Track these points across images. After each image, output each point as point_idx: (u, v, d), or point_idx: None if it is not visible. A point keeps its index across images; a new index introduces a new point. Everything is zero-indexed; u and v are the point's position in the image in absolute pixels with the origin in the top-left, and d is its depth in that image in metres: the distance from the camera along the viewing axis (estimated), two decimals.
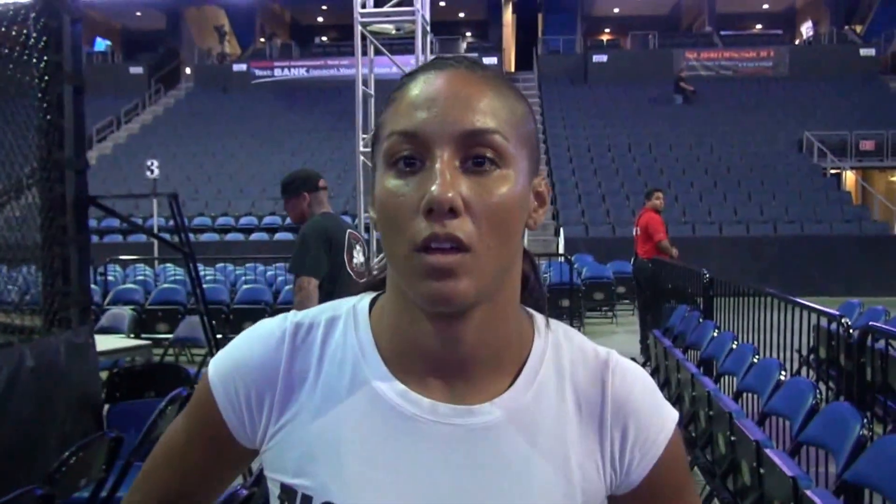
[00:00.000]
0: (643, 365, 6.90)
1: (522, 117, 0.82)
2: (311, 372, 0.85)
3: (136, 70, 28.36)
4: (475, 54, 26.40)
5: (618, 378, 0.87)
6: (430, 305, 0.76)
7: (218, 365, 0.89)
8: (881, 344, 4.11)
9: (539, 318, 0.90)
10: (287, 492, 0.84)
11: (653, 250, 8.85)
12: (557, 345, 0.88)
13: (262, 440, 0.86)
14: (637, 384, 0.87)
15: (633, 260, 9.15)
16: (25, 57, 3.88)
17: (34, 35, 3.86)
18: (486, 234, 0.75)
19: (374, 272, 0.96)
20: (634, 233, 9.03)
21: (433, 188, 0.73)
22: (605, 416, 0.85)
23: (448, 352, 0.82)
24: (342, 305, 0.90)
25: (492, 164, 0.76)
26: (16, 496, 2.23)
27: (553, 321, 0.91)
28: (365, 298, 0.90)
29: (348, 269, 3.91)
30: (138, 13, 31.12)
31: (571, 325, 7.85)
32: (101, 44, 30.97)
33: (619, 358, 0.89)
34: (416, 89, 0.79)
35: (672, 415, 0.89)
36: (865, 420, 3.05)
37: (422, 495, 0.80)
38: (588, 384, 0.86)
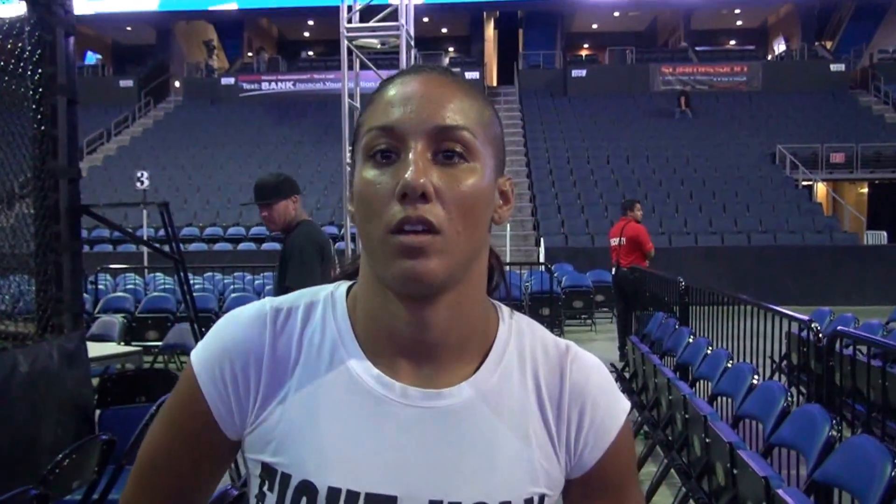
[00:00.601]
0: (622, 370, 6.95)
1: (489, 119, 0.86)
2: (291, 355, 0.87)
3: (126, 83, 28.24)
4: (457, 69, 26.50)
5: (576, 367, 0.91)
6: (401, 284, 0.80)
7: (201, 354, 0.89)
8: (850, 350, 4.17)
9: (503, 308, 0.94)
10: (267, 470, 0.85)
11: (638, 260, 8.86)
12: (520, 333, 0.92)
13: (247, 423, 0.87)
14: (593, 374, 0.91)
15: (615, 269, 9.10)
16: (20, 69, 3.88)
17: (29, 48, 3.86)
18: (455, 220, 0.79)
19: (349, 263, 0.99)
20: (616, 243, 8.99)
21: (407, 175, 0.77)
22: (564, 402, 0.89)
23: (418, 336, 0.85)
24: (320, 292, 0.92)
25: (460, 157, 0.81)
26: (11, 496, 2.23)
27: (516, 312, 0.95)
28: (342, 286, 0.93)
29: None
30: (129, 28, 30.99)
31: (551, 332, 7.93)
32: (92, 57, 30.85)
33: (578, 349, 0.93)
34: (394, 90, 0.84)
35: (624, 405, 0.93)
36: (834, 422, 3.09)
37: (394, 473, 0.83)
38: (548, 371, 0.90)
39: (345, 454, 0.83)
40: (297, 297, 0.91)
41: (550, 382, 0.90)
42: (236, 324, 0.89)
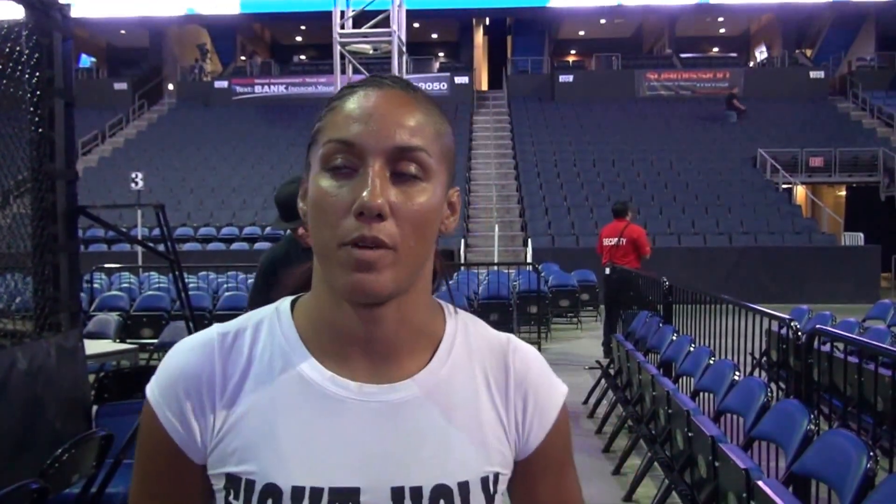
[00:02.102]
0: (607, 367, 6.98)
1: (445, 136, 0.88)
2: (242, 372, 0.89)
3: (120, 86, 28.11)
4: (447, 74, 26.54)
5: (518, 357, 0.96)
6: (351, 295, 0.82)
7: (154, 387, 0.90)
8: (827, 346, 4.20)
9: (448, 306, 0.98)
10: (231, 480, 0.87)
11: (633, 261, 8.89)
12: (466, 328, 0.96)
13: (209, 444, 0.88)
14: (534, 363, 0.97)
15: (610, 269, 9.09)
16: (18, 72, 3.87)
17: (26, 52, 3.85)
18: (407, 236, 0.81)
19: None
20: (614, 243, 8.99)
21: (364, 194, 0.79)
22: (510, 390, 0.94)
23: (370, 334, 0.88)
24: (265, 310, 0.95)
25: (416, 176, 0.83)
26: (12, 490, 2.24)
27: (459, 310, 0.99)
28: (285, 301, 0.96)
29: None
30: (122, 31, 30.82)
31: (539, 330, 7.89)
32: (87, 60, 30.68)
33: (517, 341, 0.99)
34: (355, 103, 0.85)
35: (562, 389, 0.99)
36: (812, 416, 3.12)
37: (355, 466, 0.85)
38: (493, 361, 0.95)
39: (305, 453, 0.85)
40: (245, 319, 0.94)
41: (496, 373, 0.95)
42: (184, 353, 0.91)
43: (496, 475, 0.92)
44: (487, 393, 0.93)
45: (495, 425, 0.92)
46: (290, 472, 0.85)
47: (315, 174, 0.85)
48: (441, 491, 0.87)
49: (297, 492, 0.84)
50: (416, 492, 0.86)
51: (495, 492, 0.92)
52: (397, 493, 0.86)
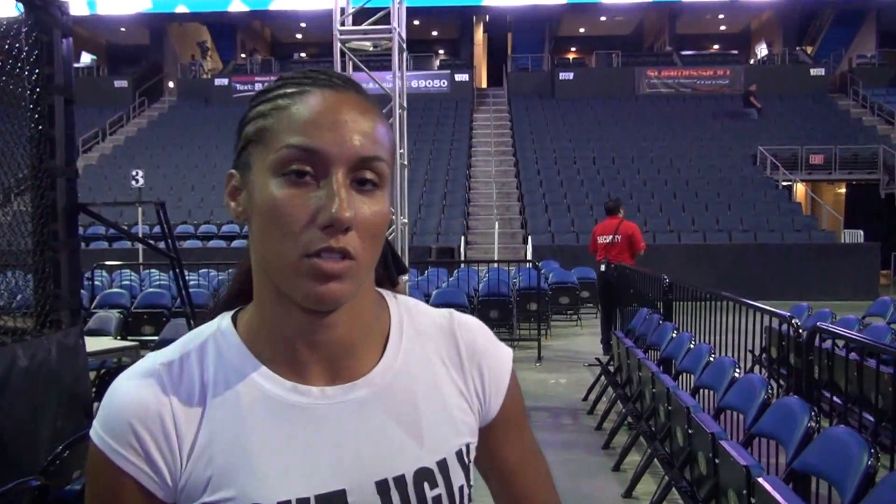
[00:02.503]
0: (607, 364, 6.98)
1: (392, 140, 0.88)
2: (198, 400, 0.85)
3: (120, 84, 28.10)
4: (447, 71, 26.54)
5: (464, 329, 0.99)
6: (313, 304, 0.81)
7: (101, 431, 0.84)
8: (828, 344, 4.20)
9: (387, 294, 0.99)
10: None
11: (627, 258, 8.91)
12: (409, 313, 0.98)
13: (178, 479, 0.84)
14: (479, 332, 1.00)
15: (605, 266, 9.10)
16: (18, 70, 3.86)
17: (26, 49, 3.85)
18: (366, 245, 0.82)
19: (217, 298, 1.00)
20: (610, 240, 9.01)
21: (334, 209, 0.78)
22: (463, 361, 0.97)
23: (324, 338, 0.87)
24: (203, 332, 0.91)
25: (374, 185, 0.83)
26: (12, 487, 2.24)
27: (398, 295, 1.01)
28: (225, 318, 0.92)
29: None
30: (123, 29, 30.82)
31: (539, 327, 7.87)
32: (87, 58, 30.65)
33: (459, 314, 1.01)
34: (312, 106, 0.81)
35: (509, 351, 1.02)
36: (813, 413, 3.12)
37: (335, 469, 0.85)
38: (442, 339, 0.97)
39: (283, 467, 0.84)
40: (183, 345, 0.89)
41: (448, 349, 0.97)
42: (129, 389, 0.85)
43: (467, 445, 0.95)
44: (444, 369, 0.95)
45: (457, 399, 0.95)
46: (271, 488, 0.83)
47: (264, 178, 0.81)
48: (423, 473, 0.89)
49: None
50: (400, 480, 0.88)
51: (469, 461, 0.95)
52: (382, 486, 0.87)
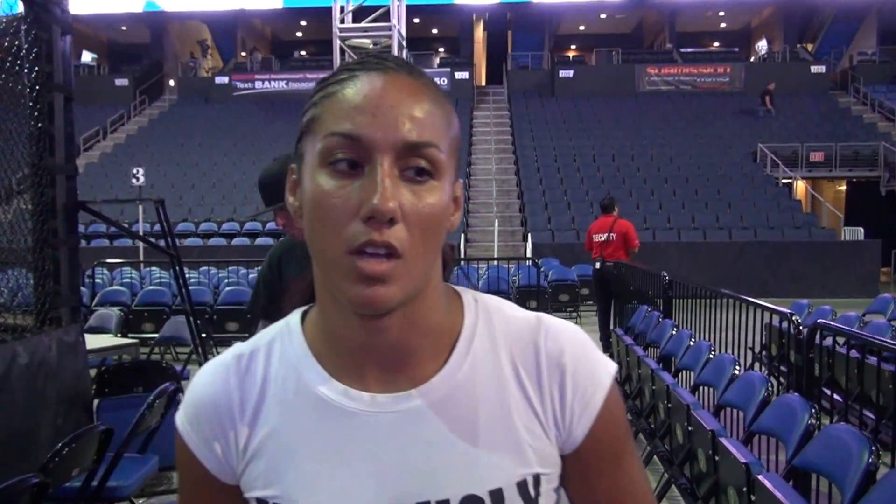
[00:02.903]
0: None
1: (453, 126, 0.81)
2: (259, 393, 0.86)
3: (121, 82, 28.11)
4: (447, 69, 26.50)
5: (550, 338, 0.85)
6: (358, 307, 0.76)
7: (181, 416, 0.88)
8: (828, 341, 4.20)
9: (467, 295, 0.89)
10: None
11: (623, 255, 8.91)
12: (488, 316, 0.87)
13: (237, 468, 0.86)
14: (569, 342, 0.85)
15: (600, 263, 9.11)
16: (17, 67, 3.86)
17: (26, 46, 3.84)
18: (417, 241, 0.75)
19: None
20: (605, 238, 9.01)
21: (375, 199, 0.71)
22: (542, 376, 0.84)
23: (377, 343, 0.81)
24: (277, 327, 0.90)
25: (427, 174, 0.75)
26: (11, 484, 2.23)
27: (481, 295, 0.90)
28: (295, 314, 0.90)
29: None
30: (124, 27, 30.82)
31: None
32: (88, 56, 30.65)
33: (551, 319, 0.88)
34: (357, 90, 0.76)
35: (607, 370, 0.86)
36: (813, 411, 3.11)
37: (378, 483, 0.81)
38: (522, 348, 0.85)
39: (326, 473, 0.82)
40: (259, 338, 0.90)
41: (526, 360, 0.85)
42: (203, 380, 0.88)
43: (536, 476, 0.83)
44: (517, 385, 0.84)
45: (529, 421, 0.83)
46: (312, 494, 0.81)
47: (312, 170, 0.77)
48: (471, 502, 0.81)
49: None
50: None
51: (538, 494, 0.83)
52: None
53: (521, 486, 0.82)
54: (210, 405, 0.86)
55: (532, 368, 0.85)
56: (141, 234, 11.69)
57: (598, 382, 0.85)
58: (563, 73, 26.62)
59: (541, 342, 0.85)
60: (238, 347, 0.90)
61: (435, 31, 32.08)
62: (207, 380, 0.88)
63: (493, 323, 0.87)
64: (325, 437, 0.82)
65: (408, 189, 0.74)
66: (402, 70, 0.78)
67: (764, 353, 6.28)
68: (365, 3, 8.28)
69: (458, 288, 0.90)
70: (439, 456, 0.81)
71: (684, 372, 5.16)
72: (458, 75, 26.28)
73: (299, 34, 33.37)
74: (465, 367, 0.84)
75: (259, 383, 0.86)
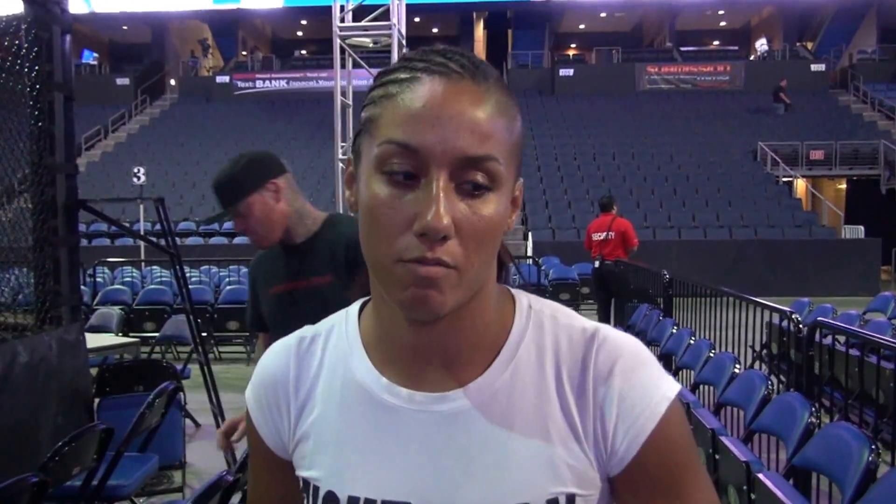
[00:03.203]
0: None
1: (516, 130, 0.77)
2: (314, 377, 0.89)
3: (122, 81, 28.12)
4: None
5: (602, 352, 0.80)
6: (408, 311, 0.75)
7: (249, 389, 0.94)
8: (828, 339, 4.19)
9: (523, 299, 0.86)
10: (304, 484, 0.88)
11: (622, 254, 8.92)
12: (540, 324, 0.84)
13: (289, 446, 0.91)
14: (621, 359, 0.80)
15: (599, 262, 9.12)
16: (17, 67, 3.86)
17: (25, 46, 3.84)
18: (472, 254, 0.73)
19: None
20: (604, 237, 9.02)
21: (429, 216, 0.70)
22: (587, 392, 0.80)
23: (425, 343, 0.81)
24: (339, 314, 0.92)
25: (485, 186, 0.73)
26: (11, 483, 2.23)
27: (538, 300, 0.87)
28: (356, 304, 0.92)
29: None
30: (125, 27, 30.81)
31: None
32: (90, 56, 30.65)
33: (609, 332, 0.83)
34: (419, 95, 0.73)
35: (665, 391, 0.80)
36: (813, 409, 3.11)
37: (407, 480, 0.82)
38: (571, 360, 0.81)
39: (361, 464, 0.83)
40: (324, 322, 0.93)
41: (573, 373, 0.81)
42: (268, 357, 0.93)
43: (570, 496, 0.79)
44: (559, 398, 0.80)
45: (567, 437, 0.79)
46: (346, 481, 0.83)
47: (368, 174, 0.75)
48: None
49: (352, 501, 0.83)
50: None
51: None
52: None
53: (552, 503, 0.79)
54: (270, 381, 0.90)
55: (578, 383, 0.80)
56: (142, 232, 11.67)
57: (649, 404, 0.79)
58: (563, 72, 26.62)
59: (591, 356, 0.81)
60: (303, 330, 0.93)
61: (435, 29, 32.07)
62: (272, 358, 0.92)
63: (543, 331, 0.84)
64: (364, 428, 0.84)
65: (464, 202, 0.72)
66: (467, 74, 0.75)
67: (764, 351, 6.28)
68: (365, 2, 8.26)
69: (515, 291, 0.88)
70: (469, 462, 0.80)
71: (685, 370, 5.16)
72: None
73: (300, 33, 33.37)
74: (505, 375, 0.81)
75: (315, 367, 0.89)
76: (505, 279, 0.89)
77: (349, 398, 0.85)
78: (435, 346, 0.81)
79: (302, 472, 0.88)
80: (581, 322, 0.84)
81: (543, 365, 0.81)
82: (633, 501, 0.81)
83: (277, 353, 0.92)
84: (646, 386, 0.79)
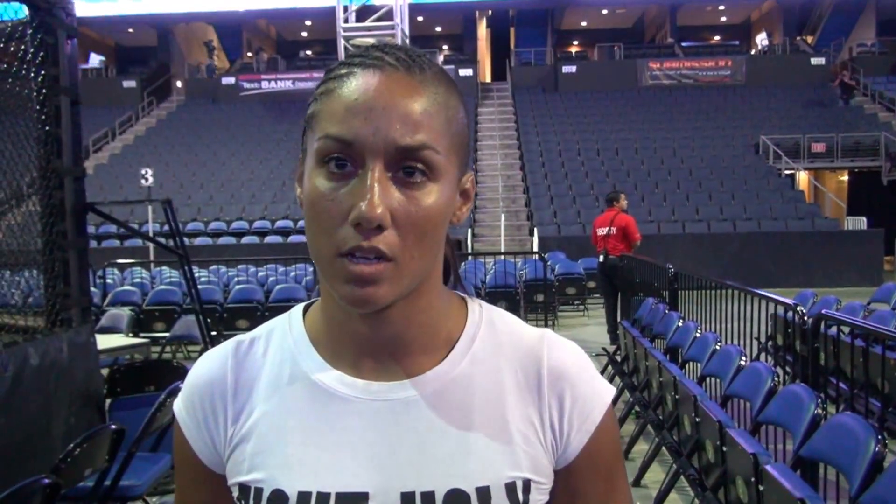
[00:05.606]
0: (613, 353, 6.96)
1: (456, 121, 0.78)
2: (254, 379, 0.86)
3: (129, 84, 28.16)
4: (451, 66, 26.45)
5: (553, 352, 0.85)
6: (349, 305, 0.75)
7: (178, 400, 0.90)
8: (833, 330, 4.17)
9: (472, 302, 0.89)
10: (243, 490, 0.84)
11: (625, 248, 8.91)
12: (491, 324, 0.87)
13: (224, 454, 0.87)
14: (571, 358, 0.86)
15: (603, 257, 9.11)
16: (24, 71, 3.85)
17: (31, 50, 3.84)
18: (410, 245, 0.74)
19: None
20: (606, 232, 9.02)
21: (363, 205, 0.71)
22: (543, 386, 0.84)
23: (376, 334, 0.82)
24: (281, 317, 0.91)
25: (422, 175, 0.74)
26: (23, 486, 2.23)
27: (487, 305, 0.90)
28: (300, 305, 0.92)
29: None
30: (130, 30, 30.85)
31: (546, 317, 7.87)
32: (96, 59, 30.71)
33: (554, 336, 0.88)
34: (352, 89, 0.74)
35: (608, 389, 0.87)
36: (819, 400, 3.09)
37: (363, 469, 0.80)
38: (523, 357, 0.85)
39: (312, 457, 0.81)
40: (262, 327, 0.91)
41: (527, 368, 0.85)
42: (201, 364, 0.90)
43: (526, 482, 0.82)
44: (516, 392, 0.83)
45: (525, 426, 0.82)
46: (296, 476, 0.81)
47: (310, 168, 0.76)
48: (456, 496, 0.79)
49: (304, 497, 0.80)
50: (429, 497, 0.79)
51: (526, 501, 0.81)
52: (407, 498, 0.79)
53: (510, 487, 0.81)
54: (206, 387, 0.87)
55: (533, 377, 0.84)
56: (151, 234, 11.70)
57: (598, 398, 0.85)
58: (565, 69, 26.56)
59: (543, 354, 0.85)
60: (240, 336, 0.90)
61: (438, 28, 32.01)
62: (205, 364, 0.89)
63: (496, 329, 0.87)
64: (315, 422, 0.82)
65: (402, 192, 0.73)
66: (401, 66, 0.76)
67: (770, 343, 6.25)
68: (368, 3, 8.26)
69: (464, 295, 0.90)
70: (429, 447, 0.80)
71: (691, 363, 5.15)
72: (462, 72, 26.21)
73: (304, 34, 33.35)
74: (462, 365, 0.83)
75: (255, 369, 0.87)
76: (454, 283, 0.92)
77: (297, 394, 0.83)
78: (387, 336, 0.82)
79: (240, 478, 0.84)
80: (527, 326, 0.89)
81: (498, 360, 0.85)
82: (575, 490, 0.86)
83: (213, 359, 0.89)
84: (593, 382, 0.86)
